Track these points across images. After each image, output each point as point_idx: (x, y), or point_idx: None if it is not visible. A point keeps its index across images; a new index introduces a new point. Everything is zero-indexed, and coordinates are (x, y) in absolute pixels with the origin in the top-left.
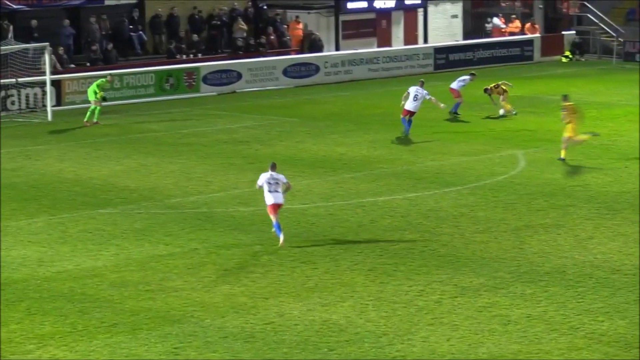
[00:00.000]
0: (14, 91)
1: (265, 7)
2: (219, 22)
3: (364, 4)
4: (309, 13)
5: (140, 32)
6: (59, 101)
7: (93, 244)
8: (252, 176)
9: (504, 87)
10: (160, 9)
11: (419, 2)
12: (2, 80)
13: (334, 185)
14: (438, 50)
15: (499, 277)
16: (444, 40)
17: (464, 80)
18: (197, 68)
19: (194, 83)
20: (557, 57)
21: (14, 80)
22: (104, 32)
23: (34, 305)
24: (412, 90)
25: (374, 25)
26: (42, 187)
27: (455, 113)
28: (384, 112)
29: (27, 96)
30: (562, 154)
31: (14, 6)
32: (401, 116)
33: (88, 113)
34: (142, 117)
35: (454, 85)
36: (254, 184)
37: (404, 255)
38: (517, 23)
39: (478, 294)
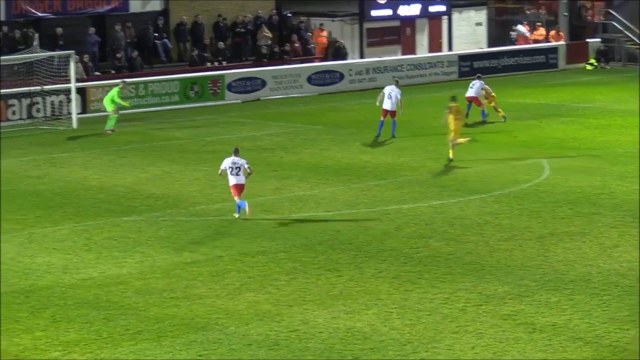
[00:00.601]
0: (39, 98)
1: (289, 14)
2: (243, 30)
3: (389, 12)
4: (333, 21)
5: (165, 40)
6: (84, 109)
7: (118, 251)
8: (276, 184)
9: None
10: (184, 17)
11: (444, 9)
12: (27, 88)
13: (358, 192)
14: (462, 57)
15: (524, 285)
16: (468, 48)
17: (474, 85)
18: (221, 76)
19: (218, 91)
20: (581, 65)
21: (39, 87)
22: (128, 40)
23: (59, 312)
24: (387, 89)
25: (398, 33)
26: (67, 195)
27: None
28: (408, 119)
29: (52, 103)
30: (451, 155)
31: (40, 14)
32: (381, 118)
33: (108, 121)
34: (166, 125)
35: (472, 93)
36: (279, 192)
37: (428, 262)
38: (542, 30)
39: (503, 302)
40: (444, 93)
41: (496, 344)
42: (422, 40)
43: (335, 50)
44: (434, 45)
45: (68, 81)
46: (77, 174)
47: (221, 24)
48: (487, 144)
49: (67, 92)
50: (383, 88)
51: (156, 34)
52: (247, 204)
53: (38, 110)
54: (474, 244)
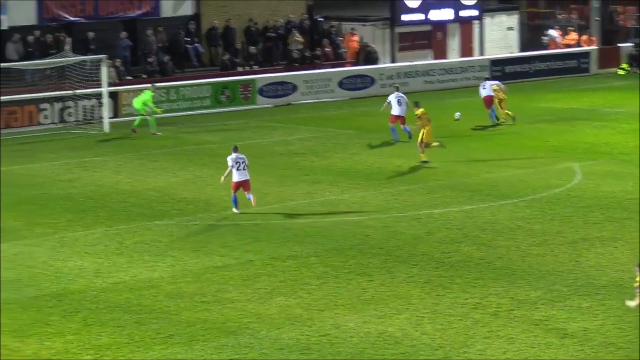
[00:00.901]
0: (71, 103)
1: (321, 19)
2: (274, 34)
3: (420, 16)
4: (364, 25)
5: (197, 44)
6: (115, 113)
7: (149, 255)
8: (307, 188)
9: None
10: (216, 21)
11: (475, 14)
12: (59, 92)
13: (389, 197)
14: (494, 62)
15: (556, 290)
16: (499, 53)
17: (485, 85)
18: (252, 80)
19: (249, 95)
20: (613, 70)
21: (71, 92)
22: (160, 44)
23: (90, 316)
24: (393, 97)
25: (430, 37)
26: (99, 199)
27: (497, 119)
28: (440, 124)
29: (84, 108)
30: (423, 157)
31: (71, 18)
32: (390, 124)
33: (151, 124)
34: (198, 129)
35: (485, 92)
36: (310, 196)
37: (460, 267)
38: (574, 35)
39: (535, 307)
40: (475, 98)
41: (528, 349)
42: (454, 44)
43: (367, 55)
44: (466, 50)
45: (100, 85)
46: (109, 177)
47: (252, 29)
48: (519, 148)
49: (99, 96)
50: (390, 94)
51: (188, 39)
52: (252, 196)
53: (70, 115)
54: (505, 248)
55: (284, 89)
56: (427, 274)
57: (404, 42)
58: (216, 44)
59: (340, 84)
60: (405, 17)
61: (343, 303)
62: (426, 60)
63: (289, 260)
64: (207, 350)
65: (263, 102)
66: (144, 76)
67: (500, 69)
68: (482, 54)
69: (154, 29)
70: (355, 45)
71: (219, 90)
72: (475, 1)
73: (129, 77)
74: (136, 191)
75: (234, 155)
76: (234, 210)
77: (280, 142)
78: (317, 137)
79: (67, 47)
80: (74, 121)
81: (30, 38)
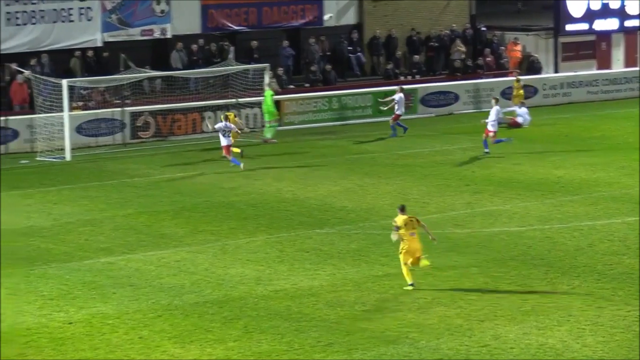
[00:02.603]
0: (234, 111)
1: (483, 28)
2: (436, 44)
3: (584, 26)
4: (527, 35)
5: (359, 54)
6: (278, 121)
7: (310, 263)
8: (468, 198)
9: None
10: (378, 31)
11: None
12: (223, 101)
13: (551, 208)
14: None
15: None
16: None
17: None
18: (414, 89)
19: (411, 104)
20: None
21: (234, 100)
22: (322, 53)
23: (251, 323)
24: (398, 96)
25: (594, 47)
26: (260, 206)
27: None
28: (603, 135)
29: (246, 116)
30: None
31: (235, 27)
32: (392, 123)
33: (266, 130)
34: (359, 138)
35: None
36: (471, 206)
37: (622, 280)
38: None
39: None
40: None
41: None
42: (618, 55)
43: (530, 65)
44: (630, 60)
45: (262, 94)
46: (271, 186)
47: (414, 38)
48: None
49: (261, 104)
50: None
51: (350, 48)
52: (241, 163)
53: None
54: None
55: (446, 98)
56: (588, 285)
57: (568, 52)
58: (378, 53)
59: (503, 94)
60: (569, 27)
61: (503, 314)
62: (590, 71)
63: (450, 270)
64: (366, 359)
65: (425, 112)
66: (307, 85)
67: None
68: None
69: (317, 37)
70: (518, 54)
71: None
72: None
73: (291, 86)
74: (297, 199)
75: (223, 123)
76: (240, 167)
77: (441, 152)
78: (479, 147)
79: (231, 55)
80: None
81: (194, 47)
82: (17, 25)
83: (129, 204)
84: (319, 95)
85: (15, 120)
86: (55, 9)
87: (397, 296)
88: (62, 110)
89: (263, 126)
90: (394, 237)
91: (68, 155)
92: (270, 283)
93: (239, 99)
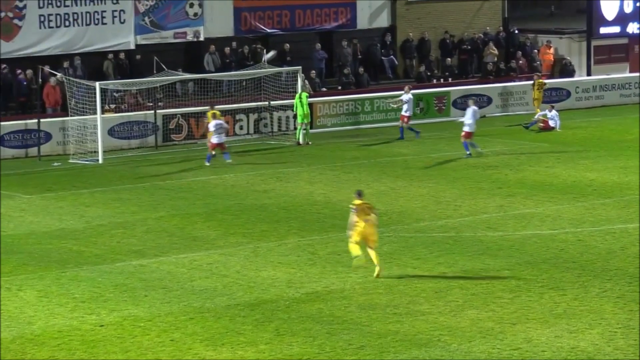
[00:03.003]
0: (266, 114)
1: (516, 31)
2: (469, 47)
3: (617, 29)
4: (560, 38)
5: (392, 56)
6: (310, 124)
7: (342, 266)
8: (501, 201)
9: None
10: (411, 33)
11: None
12: (255, 103)
13: (583, 211)
14: None
15: None
16: None
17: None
18: (447, 92)
19: (444, 107)
20: None
21: (267, 103)
22: (355, 56)
23: (282, 326)
24: (405, 98)
25: (627, 50)
26: (293, 209)
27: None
28: (636, 138)
29: (279, 119)
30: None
31: (268, 30)
32: (401, 124)
33: (298, 132)
34: (391, 141)
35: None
36: (503, 209)
37: None
38: None
39: None
40: None
41: None
42: None
43: (562, 68)
44: None
45: (294, 97)
46: (303, 188)
47: (447, 41)
48: None
49: (294, 107)
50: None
51: (383, 50)
52: (229, 154)
53: (265, 125)
54: None
55: (479, 101)
56: (620, 288)
57: (600, 55)
58: (411, 56)
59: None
60: (602, 30)
61: (535, 317)
62: (623, 74)
63: (481, 272)
64: None
65: (457, 115)
66: (339, 88)
67: None
68: None
69: (349, 40)
70: (551, 57)
71: (414, 102)
72: None
73: (324, 89)
74: (330, 202)
75: (217, 121)
76: (206, 163)
77: (474, 155)
78: (511, 149)
79: (264, 58)
80: (269, 132)
81: (227, 49)
82: (51, 27)
83: (161, 207)
84: (351, 98)
85: (48, 122)
86: (88, 12)
87: (429, 299)
88: (94, 113)
89: (295, 128)
90: (351, 218)
91: (100, 158)
92: (302, 286)
93: (272, 102)
